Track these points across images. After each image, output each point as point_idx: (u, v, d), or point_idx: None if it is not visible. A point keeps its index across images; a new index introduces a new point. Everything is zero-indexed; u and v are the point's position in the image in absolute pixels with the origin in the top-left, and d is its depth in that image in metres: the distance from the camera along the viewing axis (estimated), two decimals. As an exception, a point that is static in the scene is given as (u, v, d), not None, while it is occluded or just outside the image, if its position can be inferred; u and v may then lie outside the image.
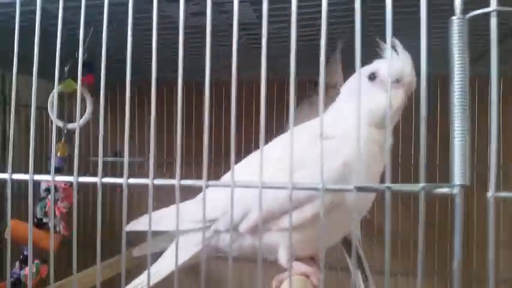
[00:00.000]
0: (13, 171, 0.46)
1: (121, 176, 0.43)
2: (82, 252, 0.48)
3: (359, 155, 0.40)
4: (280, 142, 0.54)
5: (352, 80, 0.52)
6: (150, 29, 0.41)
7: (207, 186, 0.42)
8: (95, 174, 0.43)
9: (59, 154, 0.64)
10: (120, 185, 0.43)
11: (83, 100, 0.64)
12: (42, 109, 0.72)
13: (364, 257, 0.80)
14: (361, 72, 0.49)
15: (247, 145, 0.96)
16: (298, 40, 0.38)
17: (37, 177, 0.46)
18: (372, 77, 0.49)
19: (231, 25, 0.40)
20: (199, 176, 0.41)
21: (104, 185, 0.43)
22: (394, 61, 0.46)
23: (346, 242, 0.81)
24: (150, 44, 0.41)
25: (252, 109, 1.02)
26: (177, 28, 0.42)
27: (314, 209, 0.46)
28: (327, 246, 0.53)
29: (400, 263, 0.97)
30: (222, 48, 0.59)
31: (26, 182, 0.45)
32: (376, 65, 0.49)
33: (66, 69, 0.62)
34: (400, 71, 0.47)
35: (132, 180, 0.44)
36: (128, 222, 0.55)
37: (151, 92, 0.42)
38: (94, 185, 0.44)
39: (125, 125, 0.42)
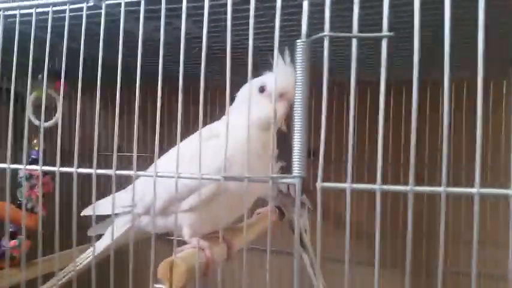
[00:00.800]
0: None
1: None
2: (64, 234, 0.59)
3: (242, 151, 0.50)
4: (185, 141, 0.63)
5: (245, 89, 0.61)
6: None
7: (115, 175, 0.53)
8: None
9: (36, 148, 0.77)
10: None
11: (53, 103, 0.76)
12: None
13: (309, 245, 0.88)
14: (253, 84, 0.58)
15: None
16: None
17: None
18: (261, 89, 0.58)
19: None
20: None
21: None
22: (280, 76, 0.54)
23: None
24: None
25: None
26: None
27: (203, 195, 0.55)
28: (220, 226, 0.62)
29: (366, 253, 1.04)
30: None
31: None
32: (265, 79, 0.58)
33: (39, 77, 0.74)
34: (284, 87, 0.55)
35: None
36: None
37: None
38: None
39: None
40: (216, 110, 1.15)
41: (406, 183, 0.40)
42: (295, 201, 0.90)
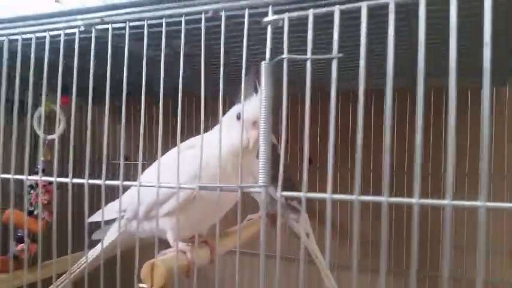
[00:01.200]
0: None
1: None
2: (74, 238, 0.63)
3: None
4: (169, 152, 0.69)
5: (228, 114, 0.65)
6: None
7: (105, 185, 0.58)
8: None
9: (42, 159, 0.84)
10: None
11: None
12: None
13: (316, 249, 0.93)
14: (233, 110, 0.63)
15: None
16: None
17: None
18: (238, 116, 0.62)
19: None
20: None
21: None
22: (252, 105, 0.58)
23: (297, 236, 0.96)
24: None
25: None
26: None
27: (179, 199, 0.59)
28: (200, 230, 0.66)
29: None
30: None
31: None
32: (241, 107, 0.61)
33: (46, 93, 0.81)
34: (256, 115, 0.57)
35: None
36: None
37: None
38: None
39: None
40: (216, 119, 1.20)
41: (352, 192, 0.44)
42: (290, 207, 0.95)
